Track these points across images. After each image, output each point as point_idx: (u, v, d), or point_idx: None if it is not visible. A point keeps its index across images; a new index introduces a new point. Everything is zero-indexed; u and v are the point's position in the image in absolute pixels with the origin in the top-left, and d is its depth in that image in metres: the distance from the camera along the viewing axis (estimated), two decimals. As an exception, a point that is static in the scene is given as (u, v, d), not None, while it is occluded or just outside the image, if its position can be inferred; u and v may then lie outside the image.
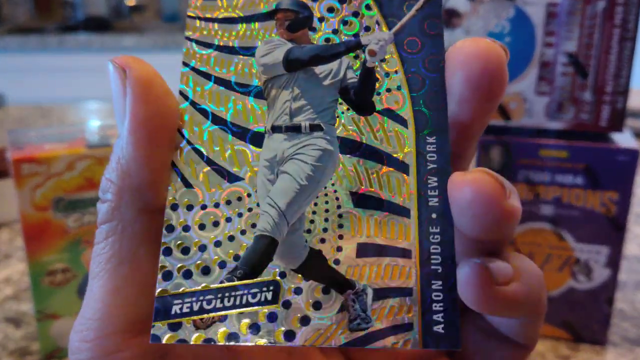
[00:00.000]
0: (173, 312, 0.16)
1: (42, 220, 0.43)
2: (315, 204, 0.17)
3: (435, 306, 0.16)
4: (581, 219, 0.46)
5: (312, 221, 0.17)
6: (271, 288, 0.16)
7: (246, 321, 0.16)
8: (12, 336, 0.49)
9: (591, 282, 0.47)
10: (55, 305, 0.45)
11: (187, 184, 0.17)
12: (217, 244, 0.17)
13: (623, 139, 0.46)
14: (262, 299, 0.16)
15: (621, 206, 0.45)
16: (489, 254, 0.18)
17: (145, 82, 0.17)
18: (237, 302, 0.16)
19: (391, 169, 0.17)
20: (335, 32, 0.18)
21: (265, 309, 0.16)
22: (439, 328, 0.16)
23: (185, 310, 0.16)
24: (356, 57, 0.18)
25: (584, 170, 0.45)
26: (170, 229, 0.17)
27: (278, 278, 0.16)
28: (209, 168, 0.17)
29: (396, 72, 0.18)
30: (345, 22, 0.18)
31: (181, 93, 0.18)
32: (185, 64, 0.19)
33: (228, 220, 0.17)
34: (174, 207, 0.17)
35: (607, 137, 0.47)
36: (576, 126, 0.47)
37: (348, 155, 0.17)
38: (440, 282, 0.16)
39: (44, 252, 0.44)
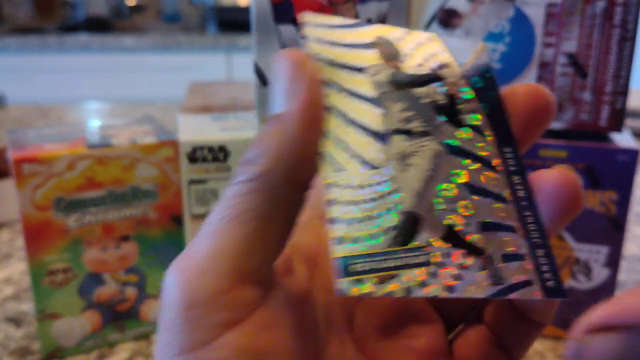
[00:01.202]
0: (353, 270, 0.19)
1: (43, 220, 0.43)
2: (439, 193, 0.21)
3: (543, 267, 0.20)
4: (581, 219, 0.46)
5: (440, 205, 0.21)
6: (427, 252, 0.20)
7: (415, 278, 0.19)
8: (13, 336, 0.49)
9: (591, 281, 0.47)
10: (56, 305, 0.45)
11: (338, 169, 0.20)
12: (378, 216, 0.20)
13: (623, 139, 0.47)
14: (423, 260, 0.20)
15: (621, 206, 0.45)
16: None
17: (317, 75, 0.21)
18: (403, 264, 0.19)
19: (489, 169, 0.22)
20: (419, 65, 0.24)
21: (426, 269, 0.19)
22: (551, 283, 0.20)
23: (364, 268, 0.19)
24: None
25: (583, 170, 0.46)
26: (333, 203, 0.20)
27: (431, 245, 0.20)
28: (352, 158, 0.21)
29: (472, 101, 0.23)
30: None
31: None
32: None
33: (380, 197, 0.20)
34: (329, 186, 0.20)
35: (606, 137, 0.47)
36: (576, 126, 0.47)
37: (454, 156, 0.22)
38: (542, 250, 0.21)
39: (45, 252, 0.44)
